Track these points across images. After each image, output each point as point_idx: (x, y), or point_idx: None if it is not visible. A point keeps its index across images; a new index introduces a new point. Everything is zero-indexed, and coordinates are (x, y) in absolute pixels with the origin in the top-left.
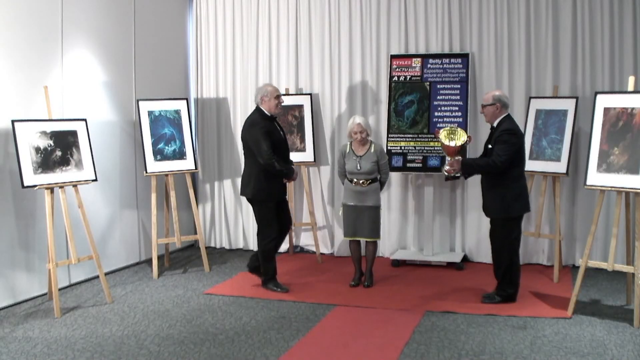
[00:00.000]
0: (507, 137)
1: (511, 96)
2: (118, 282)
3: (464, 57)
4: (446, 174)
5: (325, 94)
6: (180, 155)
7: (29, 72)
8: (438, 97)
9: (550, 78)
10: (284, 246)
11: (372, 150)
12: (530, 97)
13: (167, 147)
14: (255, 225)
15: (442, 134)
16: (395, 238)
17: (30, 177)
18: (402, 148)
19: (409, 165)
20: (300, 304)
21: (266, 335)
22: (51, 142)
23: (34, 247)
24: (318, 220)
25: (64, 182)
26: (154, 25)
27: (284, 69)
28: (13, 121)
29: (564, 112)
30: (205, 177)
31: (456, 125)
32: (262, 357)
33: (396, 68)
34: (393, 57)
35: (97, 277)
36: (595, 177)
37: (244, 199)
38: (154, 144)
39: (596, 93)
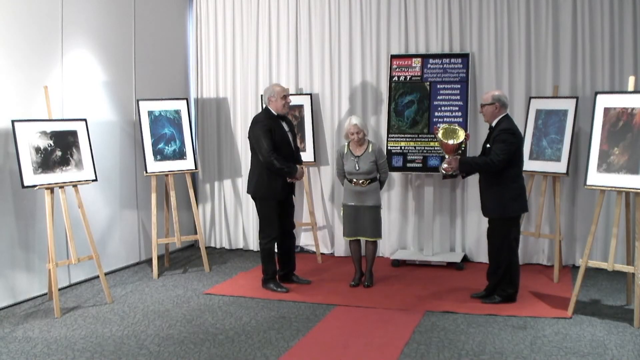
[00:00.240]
0: (505, 136)
1: (511, 96)
2: (118, 282)
3: (464, 57)
4: (444, 172)
5: (325, 94)
6: (180, 155)
7: (29, 72)
8: (438, 97)
9: (551, 78)
10: None
11: (370, 150)
12: (531, 97)
13: (167, 147)
14: (256, 226)
15: (440, 132)
16: (395, 238)
17: (30, 177)
18: (402, 148)
19: (409, 165)
20: (300, 304)
21: (266, 335)
22: (51, 142)
23: (34, 247)
24: (318, 220)
25: (64, 182)
26: (154, 25)
27: (284, 69)
28: (13, 121)
29: (564, 112)
30: (205, 177)
31: (455, 124)
32: (262, 357)
33: (396, 68)
34: (393, 57)
35: (97, 277)
36: (596, 177)
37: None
38: (154, 144)
39: (596, 93)
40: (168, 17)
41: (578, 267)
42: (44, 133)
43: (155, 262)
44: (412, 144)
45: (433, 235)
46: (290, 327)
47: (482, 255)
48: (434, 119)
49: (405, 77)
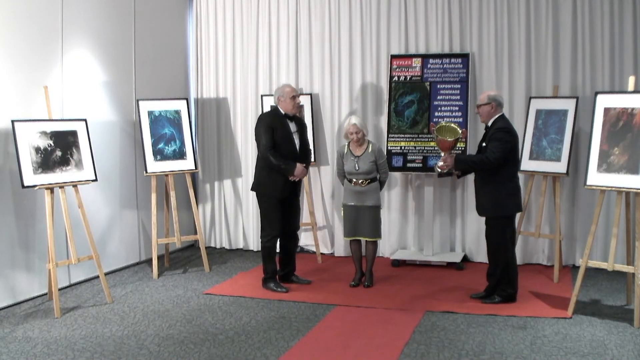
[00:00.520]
0: (501, 134)
1: (511, 96)
2: (118, 282)
3: (464, 57)
4: (439, 170)
5: (325, 94)
6: (180, 155)
7: (29, 72)
8: (438, 97)
9: (551, 78)
10: None
11: (370, 150)
12: (531, 97)
13: (167, 147)
14: (256, 225)
15: (437, 129)
16: (395, 238)
17: (30, 177)
18: (402, 148)
19: (409, 165)
20: (300, 304)
21: (266, 335)
22: (51, 142)
23: (34, 247)
24: (318, 220)
25: (64, 182)
26: (154, 25)
27: (284, 69)
28: (13, 121)
29: (564, 112)
30: (205, 177)
31: (454, 122)
32: (262, 357)
33: (396, 68)
34: (393, 57)
35: (97, 277)
36: (596, 177)
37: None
38: (154, 144)
39: (596, 93)
40: (168, 17)
41: (578, 267)
42: (44, 133)
43: (155, 262)
44: (412, 144)
45: (433, 235)
46: (290, 327)
47: (482, 255)
48: (434, 119)
49: (405, 77)
